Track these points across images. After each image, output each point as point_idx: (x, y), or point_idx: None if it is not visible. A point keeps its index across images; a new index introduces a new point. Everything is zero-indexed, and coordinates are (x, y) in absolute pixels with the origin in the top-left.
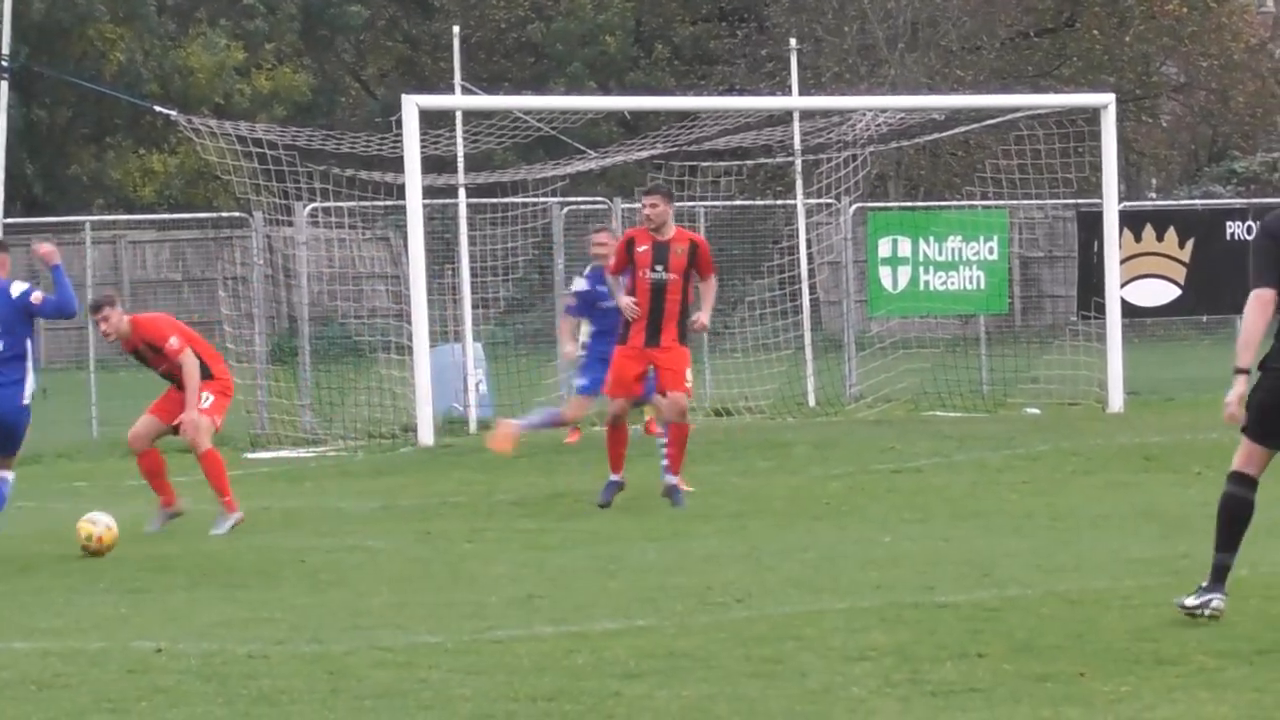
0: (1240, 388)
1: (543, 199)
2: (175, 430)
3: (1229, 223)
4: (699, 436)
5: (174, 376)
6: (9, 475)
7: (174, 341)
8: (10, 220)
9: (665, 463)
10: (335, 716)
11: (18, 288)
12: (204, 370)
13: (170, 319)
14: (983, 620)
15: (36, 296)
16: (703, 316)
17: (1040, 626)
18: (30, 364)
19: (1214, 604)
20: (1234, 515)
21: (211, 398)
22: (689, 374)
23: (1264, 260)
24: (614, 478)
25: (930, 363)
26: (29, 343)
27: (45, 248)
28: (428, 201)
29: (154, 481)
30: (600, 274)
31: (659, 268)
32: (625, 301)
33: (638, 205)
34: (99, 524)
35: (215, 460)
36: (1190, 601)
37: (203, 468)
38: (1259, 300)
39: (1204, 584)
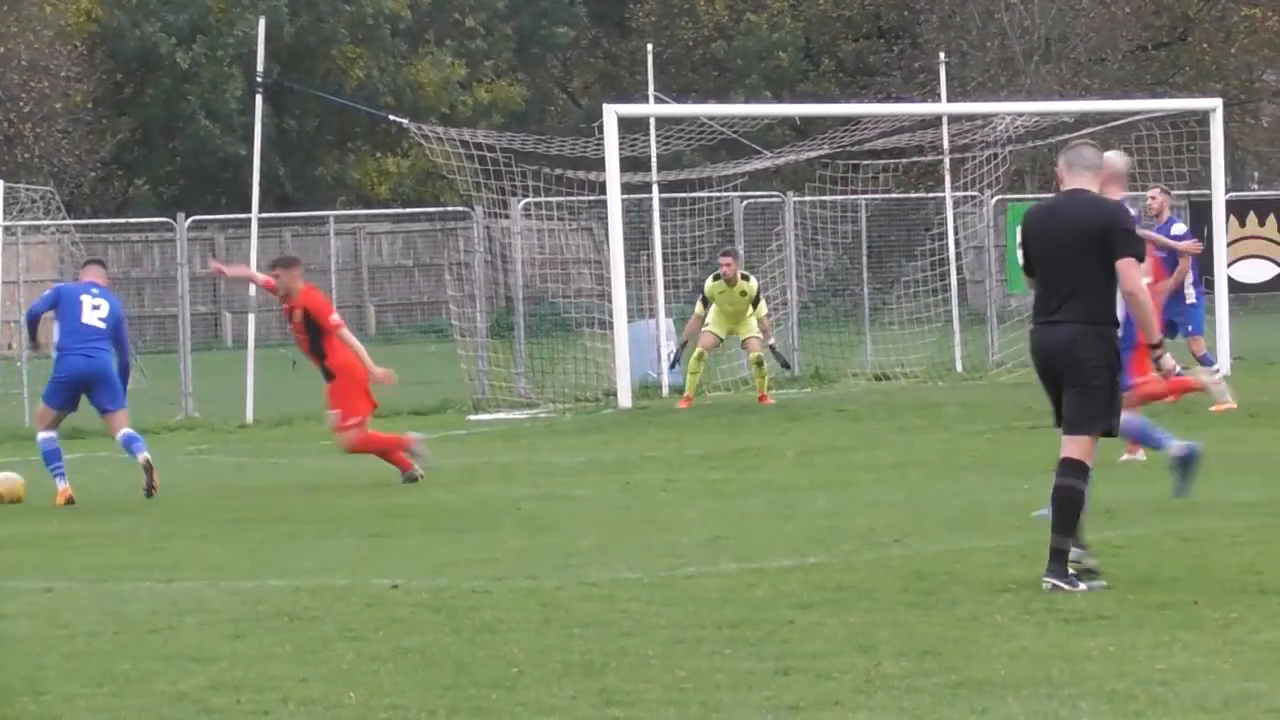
0: None
1: (725, 194)
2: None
3: None
4: (863, 398)
5: (320, 353)
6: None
7: (335, 317)
8: (265, 215)
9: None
10: (548, 643)
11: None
12: (328, 373)
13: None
14: (1109, 556)
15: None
16: None
17: (1160, 561)
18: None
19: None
20: None
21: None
22: None
23: None
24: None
25: None
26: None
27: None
28: (626, 196)
29: (386, 457)
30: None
31: None
32: None
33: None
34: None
35: (369, 442)
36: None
37: (366, 451)
38: None
39: None
